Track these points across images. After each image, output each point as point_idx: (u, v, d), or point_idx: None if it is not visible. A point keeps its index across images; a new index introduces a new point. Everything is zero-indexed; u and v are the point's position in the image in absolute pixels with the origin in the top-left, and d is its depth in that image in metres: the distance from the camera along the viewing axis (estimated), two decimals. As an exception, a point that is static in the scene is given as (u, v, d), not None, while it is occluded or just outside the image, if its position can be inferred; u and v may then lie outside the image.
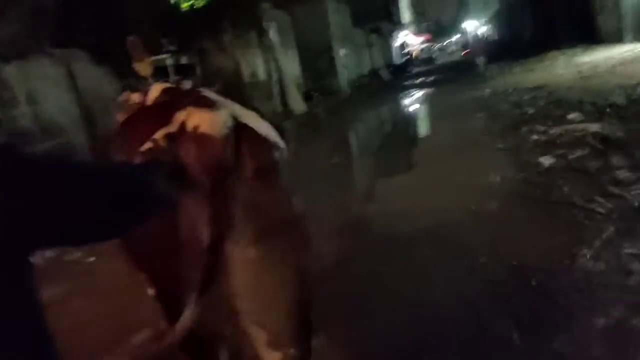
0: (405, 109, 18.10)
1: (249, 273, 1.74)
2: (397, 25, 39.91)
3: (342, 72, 22.94)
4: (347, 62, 24.45)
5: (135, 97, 2.34)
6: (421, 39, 46.25)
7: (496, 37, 33.20)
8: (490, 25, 36.34)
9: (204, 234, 1.57)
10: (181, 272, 1.61)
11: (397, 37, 40.09)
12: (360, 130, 15.12)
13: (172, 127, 1.66)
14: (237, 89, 12.20)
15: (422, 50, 43.64)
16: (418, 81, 25.37)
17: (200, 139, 1.59)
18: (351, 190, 8.07)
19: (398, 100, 20.13)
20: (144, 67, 3.89)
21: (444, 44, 51.55)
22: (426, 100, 18.73)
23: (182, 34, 11.49)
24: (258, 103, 12.72)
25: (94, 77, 8.54)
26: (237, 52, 12.31)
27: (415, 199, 6.53)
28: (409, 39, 42.93)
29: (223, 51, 12.21)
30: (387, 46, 35.62)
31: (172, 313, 1.62)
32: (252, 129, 1.70)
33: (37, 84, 7.91)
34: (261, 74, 12.89)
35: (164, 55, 10.04)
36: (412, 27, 44.89)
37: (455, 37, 50.25)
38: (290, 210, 1.82)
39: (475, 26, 41.10)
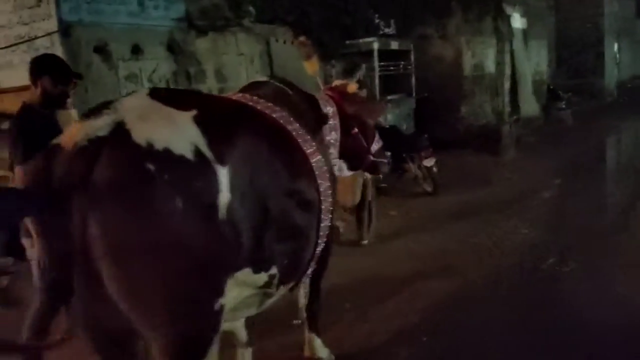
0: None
1: None
2: None
3: (611, 71, 19.12)
4: (621, 59, 20.32)
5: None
6: None
7: None
8: None
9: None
10: None
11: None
12: (617, 146, 12.12)
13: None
14: (454, 82, 10.62)
15: None
16: None
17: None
18: (564, 229, 6.04)
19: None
20: (310, 66, 3.67)
21: None
22: None
23: (403, 16, 10.38)
24: (480, 99, 10.95)
25: (292, 57, 8.02)
26: (462, 40, 10.68)
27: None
28: None
29: (446, 38, 10.71)
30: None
31: None
32: (120, 142, 1.69)
33: (228, 59, 7.72)
34: (489, 66, 11.03)
35: (370, 39, 9.06)
36: None
37: None
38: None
39: None
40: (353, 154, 3.32)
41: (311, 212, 2.45)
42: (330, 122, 3.05)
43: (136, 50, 6.52)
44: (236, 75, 7.75)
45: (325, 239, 2.70)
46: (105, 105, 1.83)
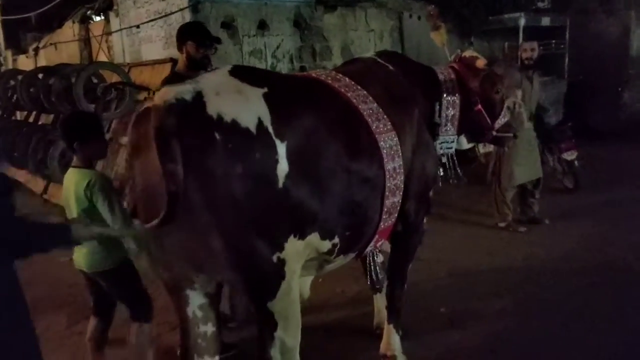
0: None
1: None
2: None
3: None
4: None
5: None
6: None
7: None
8: None
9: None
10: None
11: None
12: None
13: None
14: (617, 63, 9.25)
15: None
16: None
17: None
18: None
19: None
20: (437, 37, 3.72)
21: None
22: None
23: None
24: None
25: (426, 33, 7.54)
26: (631, 15, 9.21)
27: None
28: None
29: (611, 13, 9.32)
30: None
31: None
32: (197, 111, 1.98)
33: (356, 35, 7.48)
34: (665, 45, 9.41)
35: (516, 14, 8.19)
36: None
37: None
38: None
39: None
40: (474, 130, 3.37)
41: (371, 190, 2.54)
42: (448, 98, 3.13)
43: (262, 26, 6.56)
44: (364, 52, 7.47)
45: (393, 217, 2.75)
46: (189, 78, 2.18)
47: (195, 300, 2.29)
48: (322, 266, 2.61)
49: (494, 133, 3.45)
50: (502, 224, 5.60)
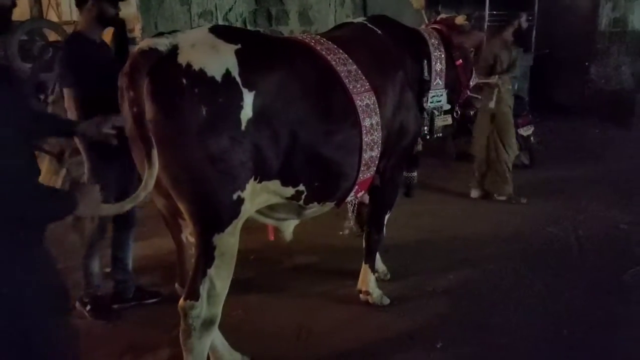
0: None
1: None
2: None
3: None
4: None
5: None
6: None
7: None
8: None
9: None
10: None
11: None
12: None
13: None
14: (585, 38, 9.05)
15: None
16: None
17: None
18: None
19: None
20: (416, 1, 3.97)
21: None
22: None
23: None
24: (617, 61, 9.28)
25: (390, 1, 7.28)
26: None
27: None
28: None
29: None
30: None
31: None
32: (168, 60, 2.21)
33: (314, 1, 7.18)
34: (635, 21, 9.19)
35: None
36: None
37: None
38: None
39: None
40: (453, 86, 3.53)
41: (344, 145, 2.73)
42: (436, 54, 3.33)
43: (213, -14, 6.25)
44: (323, 18, 7.22)
45: (372, 169, 2.96)
46: (171, 32, 2.36)
47: (187, 229, 2.55)
48: (300, 212, 2.85)
49: (468, 92, 3.70)
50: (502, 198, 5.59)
